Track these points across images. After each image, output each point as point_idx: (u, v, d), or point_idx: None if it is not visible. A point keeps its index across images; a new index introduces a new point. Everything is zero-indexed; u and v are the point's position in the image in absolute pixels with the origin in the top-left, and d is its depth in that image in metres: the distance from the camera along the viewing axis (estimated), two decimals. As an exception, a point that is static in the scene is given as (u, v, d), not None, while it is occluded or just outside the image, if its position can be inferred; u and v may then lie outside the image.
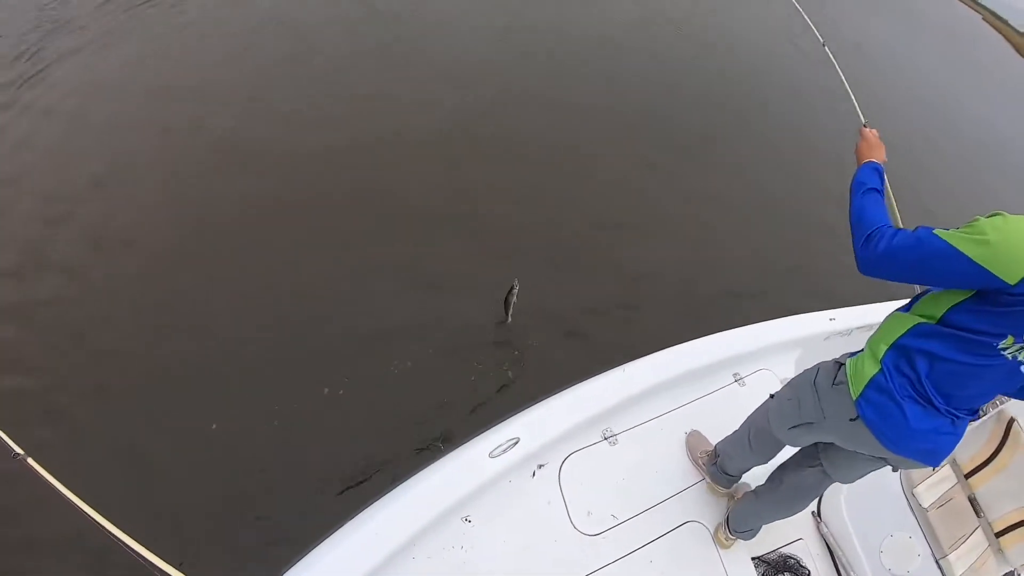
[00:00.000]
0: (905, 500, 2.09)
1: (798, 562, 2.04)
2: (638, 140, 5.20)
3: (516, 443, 1.85)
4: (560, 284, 3.65)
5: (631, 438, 2.12)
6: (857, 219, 1.33)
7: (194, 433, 2.64)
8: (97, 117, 4.12)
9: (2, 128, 3.96)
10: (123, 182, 3.70)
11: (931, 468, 1.88)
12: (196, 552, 2.30)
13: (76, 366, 2.80)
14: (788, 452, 1.79)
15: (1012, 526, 1.97)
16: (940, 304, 1.23)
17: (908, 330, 1.28)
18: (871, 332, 1.42)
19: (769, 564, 2.02)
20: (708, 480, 2.09)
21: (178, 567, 0.91)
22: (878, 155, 1.51)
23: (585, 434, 2.07)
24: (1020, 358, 1.15)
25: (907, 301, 1.39)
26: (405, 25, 5.67)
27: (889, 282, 1.27)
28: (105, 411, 2.67)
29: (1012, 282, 1.06)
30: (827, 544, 2.10)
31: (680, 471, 2.11)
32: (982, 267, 1.09)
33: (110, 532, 0.95)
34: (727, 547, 1.97)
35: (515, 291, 2.97)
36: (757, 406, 1.85)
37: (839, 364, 1.43)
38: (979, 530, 2.01)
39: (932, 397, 1.24)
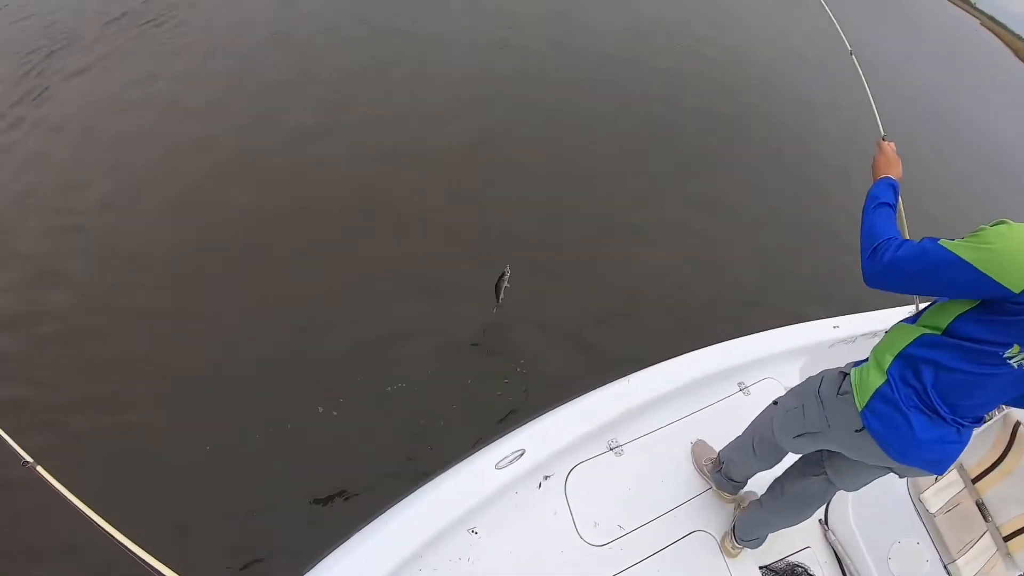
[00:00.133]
0: (912, 506, 2.09)
1: (806, 570, 2.03)
2: (639, 149, 5.22)
3: (522, 454, 1.86)
4: (563, 294, 3.66)
5: (637, 448, 2.12)
6: (867, 233, 1.34)
7: (198, 442, 2.64)
8: (104, 134, 4.17)
9: (9, 145, 4.00)
10: (129, 198, 3.74)
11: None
12: (199, 562, 2.31)
13: (82, 378, 2.82)
14: (793, 456, 1.79)
15: (1020, 530, 1.97)
16: (946, 314, 1.23)
17: (914, 340, 1.28)
18: (876, 340, 1.42)
19: (777, 573, 2.01)
20: (714, 488, 2.09)
21: None
22: (895, 171, 1.51)
23: (591, 445, 2.07)
24: None
25: (912, 312, 1.40)
26: (405, 40, 5.74)
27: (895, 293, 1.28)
28: (109, 423, 2.68)
29: (1017, 290, 1.07)
30: (835, 552, 2.09)
31: (686, 481, 2.11)
32: (987, 276, 1.09)
33: (119, 541, 0.95)
34: (734, 556, 1.96)
35: (506, 276, 2.99)
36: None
37: (844, 374, 1.42)
38: (987, 534, 2.01)
39: (938, 407, 1.24)
